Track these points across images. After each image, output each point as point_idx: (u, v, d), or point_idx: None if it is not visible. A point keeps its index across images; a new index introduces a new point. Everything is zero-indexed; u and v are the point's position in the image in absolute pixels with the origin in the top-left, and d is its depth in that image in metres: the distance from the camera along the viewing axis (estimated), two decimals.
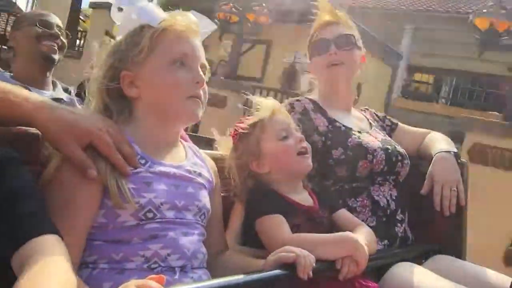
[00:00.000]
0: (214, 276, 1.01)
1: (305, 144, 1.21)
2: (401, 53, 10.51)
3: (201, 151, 1.15)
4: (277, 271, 0.94)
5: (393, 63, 10.32)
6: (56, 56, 1.95)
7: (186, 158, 1.07)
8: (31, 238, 0.69)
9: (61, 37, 1.98)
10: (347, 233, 1.11)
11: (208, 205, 1.06)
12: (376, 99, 9.21)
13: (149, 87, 0.99)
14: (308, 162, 1.21)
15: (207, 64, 1.07)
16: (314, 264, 0.95)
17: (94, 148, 0.87)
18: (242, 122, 1.24)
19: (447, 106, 10.63)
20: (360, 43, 1.60)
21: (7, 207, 0.72)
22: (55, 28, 1.97)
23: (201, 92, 1.03)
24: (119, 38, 1.04)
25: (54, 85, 2.03)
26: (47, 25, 1.95)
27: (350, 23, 1.60)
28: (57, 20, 2.02)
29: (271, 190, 1.19)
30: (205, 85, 1.04)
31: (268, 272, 0.94)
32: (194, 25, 1.04)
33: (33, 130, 0.89)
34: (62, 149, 0.85)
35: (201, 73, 1.02)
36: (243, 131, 1.22)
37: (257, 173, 1.22)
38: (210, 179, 1.10)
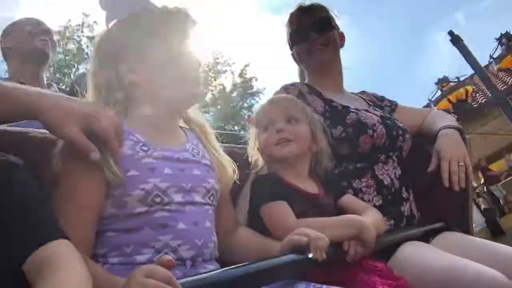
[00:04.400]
0: (226, 254, 1.05)
1: (286, 134, 1.22)
2: None
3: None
4: (292, 256, 0.93)
5: None
6: (49, 51, 1.97)
7: (187, 140, 1.07)
8: (43, 244, 0.69)
9: (52, 36, 2.03)
10: (353, 215, 1.11)
11: (216, 186, 1.07)
12: None
13: (151, 73, 1.01)
14: (285, 149, 1.21)
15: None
16: (327, 246, 0.94)
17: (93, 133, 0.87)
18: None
19: None
20: (336, 23, 1.64)
21: (18, 215, 0.72)
22: (45, 26, 2.01)
23: (200, 75, 1.06)
24: (110, 25, 1.04)
25: (50, 86, 2.05)
26: (38, 23, 1.99)
27: (324, 6, 1.65)
28: (45, 24, 2.06)
29: (276, 176, 1.20)
30: None
31: (281, 258, 0.93)
32: (189, 16, 1.07)
33: (35, 133, 0.90)
34: (63, 133, 0.85)
35: (198, 57, 1.06)
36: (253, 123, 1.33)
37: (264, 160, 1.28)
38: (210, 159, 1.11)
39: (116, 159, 0.89)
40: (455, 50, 4.55)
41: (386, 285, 1.06)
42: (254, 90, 17.23)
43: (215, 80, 17.00)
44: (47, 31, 2.00)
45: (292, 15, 1.65)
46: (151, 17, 1.01)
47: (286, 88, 1.51)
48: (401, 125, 1.52)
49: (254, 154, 1.31)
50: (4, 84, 0.85)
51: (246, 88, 16.79)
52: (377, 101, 1.72)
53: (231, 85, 17.41)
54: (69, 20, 14.97)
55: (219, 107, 16.01)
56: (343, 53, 1.67)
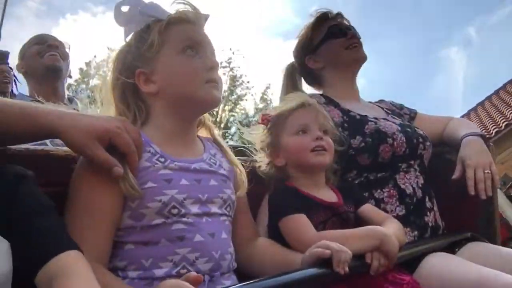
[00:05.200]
0: (244, 265, 1.04)
1: (324, 142, 1.19)
2: None
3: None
4: (314, 270, 0.91)
5: None
6: (60, 64, 2.02)
7: (204, 150, 1.07)
8: (55, 255, 0.70)
9: (61, 47, 2.07)
10: (374, 226, 1.09)
11: (233, 196, 1.06)
12: None
13: (166, 78, 1.01)
14: (321, 158, 1.19)
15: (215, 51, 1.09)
16: (350, 259, 0.92)
17: (113, 147, 0.88)
18: (270, 113, 1.28)
19: None
20: None
21: (26, 225, 0.72)
22: (51, 41, 2.06)
23: (217, 77, 1.04)
24: (127, 40, 1.06)
25: (71, 100, 2.09)
26: (43, 40, 2.06)
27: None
28: (53, 36, 2.12)
29: (292, 188, 1.18)
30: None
31: (302, 271, 0.91)
32: (197, 13, 1.06)
33: (43, 149, 0.92)
34: (85, 151, 0.86)
35: (214, 58, 1.04)
36: (268, 122, 1.26)
37: (277, 166, 1.24)
38: (230, 168, 1.10)
39: (134, 172, 0.90)
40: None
41: None
42: None
43: (235, 105, 16.81)
44: (55, 45, 2.05)
45: (322, 15, 1.63)
46: (162, 26, 1.01)
47: None
48: (421, 132, 1.49)
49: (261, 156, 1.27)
50: (24, 105, 0.86)
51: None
52: (396, 110, 1.70)
53: (253, 109, 17.16)
54: (95, 56, 14.95)
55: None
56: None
